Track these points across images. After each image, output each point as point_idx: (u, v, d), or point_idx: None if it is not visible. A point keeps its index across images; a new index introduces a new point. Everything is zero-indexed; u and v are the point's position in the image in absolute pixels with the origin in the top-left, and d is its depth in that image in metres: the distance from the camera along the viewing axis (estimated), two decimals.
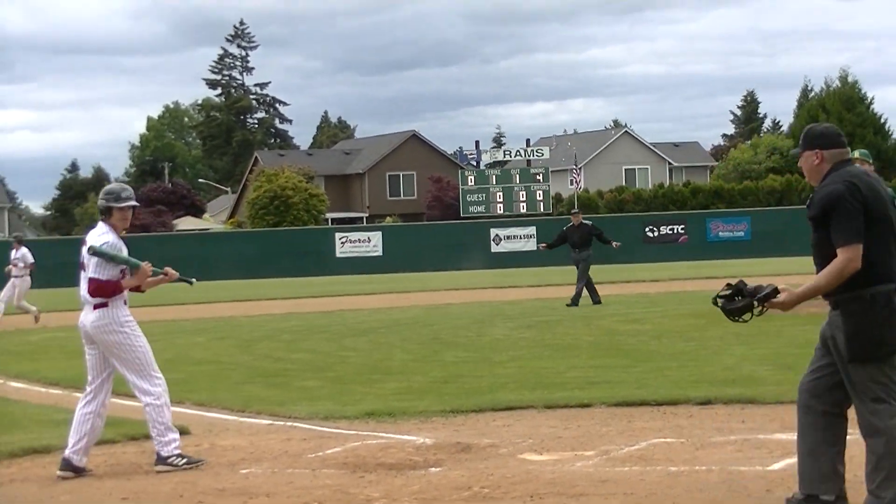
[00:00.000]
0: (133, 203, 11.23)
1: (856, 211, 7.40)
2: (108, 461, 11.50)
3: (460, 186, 72.92)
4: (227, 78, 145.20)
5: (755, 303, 7.67)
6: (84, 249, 10.97)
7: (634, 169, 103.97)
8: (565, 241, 31.84)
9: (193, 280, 12.21)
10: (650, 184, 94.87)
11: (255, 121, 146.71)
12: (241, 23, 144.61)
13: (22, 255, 32.81)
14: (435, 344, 22.28)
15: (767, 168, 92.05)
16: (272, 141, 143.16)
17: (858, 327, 7.43)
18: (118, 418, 12.82)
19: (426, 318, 29.02)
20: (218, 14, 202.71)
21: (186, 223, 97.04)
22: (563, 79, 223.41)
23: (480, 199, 70.91)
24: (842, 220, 7.40)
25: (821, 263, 7.54)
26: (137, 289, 11.17)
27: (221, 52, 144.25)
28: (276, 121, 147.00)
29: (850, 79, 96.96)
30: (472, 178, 71.74)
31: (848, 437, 7.89)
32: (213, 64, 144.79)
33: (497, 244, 66.71)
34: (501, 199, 70.84)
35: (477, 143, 76.84)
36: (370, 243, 67.50)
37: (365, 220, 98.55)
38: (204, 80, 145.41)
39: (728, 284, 7.79)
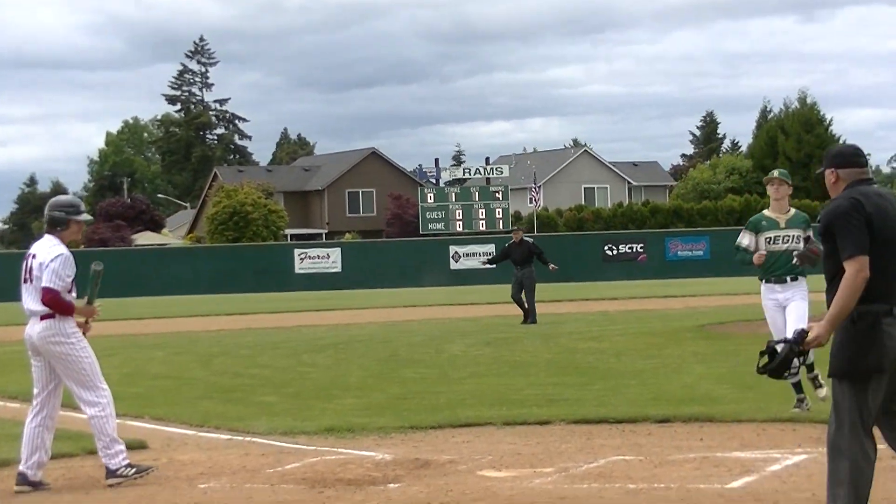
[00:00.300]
0: (89, 217, 11.32)
1: (858, 223, 7.51)
2: (66, 475, 11.44)
3: (420, 204, 73.05)
4: (186, 94, 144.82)
5: (793, 348, 7.73)
6: (30, 261, 10.93)
7: (594, 188, 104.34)
8: (508, 258, 32.07)
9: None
10: (609, 203, 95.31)
11: (215, 137, 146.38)
12: (201, 39, 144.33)
13: None
14: (393, 361, 22.27)
15: (726, 188, 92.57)
16: (231, 157, 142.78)
17: (841, 342, 7.51)
18: (76, 432, 12.78)
19: (385, 335, 29.00)
20: (178, 30, 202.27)
21: (145, 238, 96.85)
22: (522, 98, 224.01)
23: (440, 217, 71.04)
24: (844, 233, 7.52)
25: (827, 279, 7.63)
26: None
27: (181, 67, 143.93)
28: (236, 137, 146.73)
29: (808, 100, 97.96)
30: (432, 195, 71.86)
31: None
32: (173, 80, 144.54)
33: (456, 261, 66.80)
34: (461, 217, 71.03)
35: (437, 160, 76.96)
36: (329, 259, 67.52)
37: (324, 236, 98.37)
38: (163, 95, 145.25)
39: (761, 353, 7.86)
